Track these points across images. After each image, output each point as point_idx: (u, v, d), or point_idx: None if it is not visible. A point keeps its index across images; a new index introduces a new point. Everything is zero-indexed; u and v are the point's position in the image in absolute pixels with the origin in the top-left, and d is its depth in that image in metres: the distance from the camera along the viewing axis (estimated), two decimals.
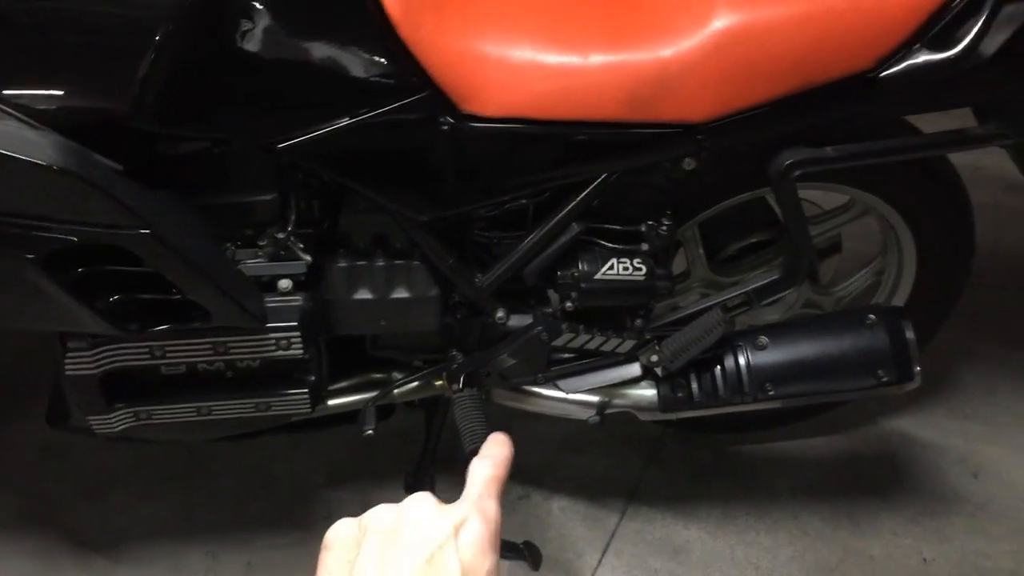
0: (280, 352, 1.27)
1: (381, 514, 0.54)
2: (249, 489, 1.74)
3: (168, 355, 1.25)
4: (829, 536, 1.64)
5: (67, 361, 1.23)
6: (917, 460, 1.77)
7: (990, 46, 1.14)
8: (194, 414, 1.33)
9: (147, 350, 1.24)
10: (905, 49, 1.16)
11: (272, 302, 1.26)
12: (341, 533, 0.55)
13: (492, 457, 0.61)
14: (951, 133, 1.28)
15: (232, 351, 1.27)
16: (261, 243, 1.26)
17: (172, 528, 1.68)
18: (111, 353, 1.24)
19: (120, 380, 1.29)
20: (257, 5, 1.09)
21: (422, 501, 0.55)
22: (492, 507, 0.55)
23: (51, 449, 1.80)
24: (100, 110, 1.06)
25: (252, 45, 1.09)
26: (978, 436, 1.81)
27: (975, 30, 1.13)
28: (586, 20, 1.19)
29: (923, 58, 1.16)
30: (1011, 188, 2.32)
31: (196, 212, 1.20)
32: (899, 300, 1.60)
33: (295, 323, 1.25)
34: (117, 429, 1.32)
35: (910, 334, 1.37)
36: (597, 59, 1.16)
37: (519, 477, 1.74)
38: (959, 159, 1.48)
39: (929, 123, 1.33)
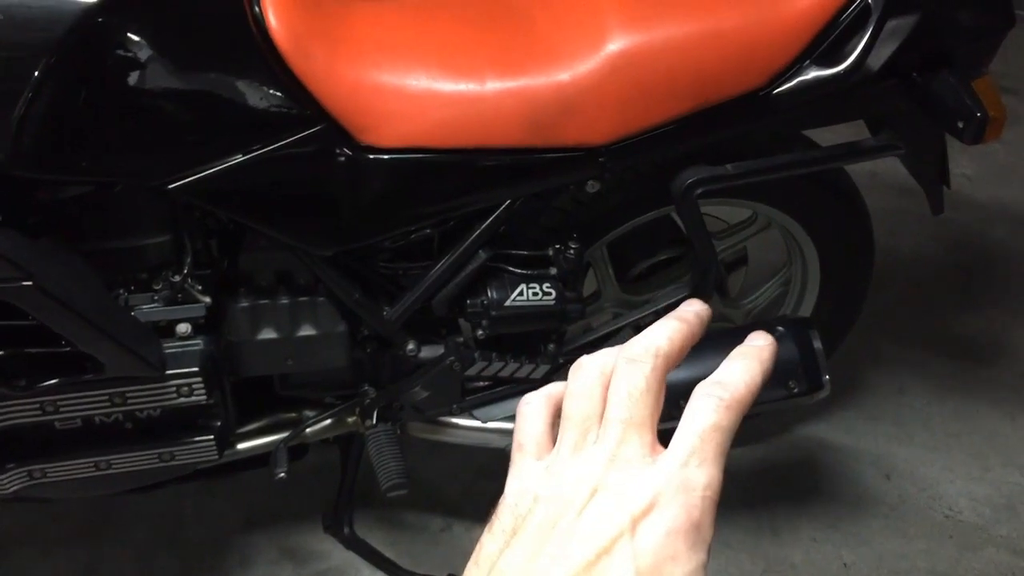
0: (182, 399, 1.22)
1: (563, 470, 0.41)
2: (158, 541, 1.67)
3: (61, 410, 1.19)
4: (751, 546, 1.65)
5: None
6: (832, 465, 1.80)
7: (877, 60, 1.17)
8: (92, 470, 1.27)
9: (38, 406, 1.18)
10: (796, 66, 1.18)
11: (171, 348, 1.21)
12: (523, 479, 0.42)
13: (724, 387, 0.42)
14: (845, 146, 1.31)
15: (130, 401, 1.21)
16: (156, 287, 1.21)
17: None
18: None
19: (10, 438, 1.21)
20: (136, 39, 1.03)
21: (629, 438, 0.40)
22: (702, 479, 0.39)
23: None
24: None
25: (134, 81, 1.05)
26: (889, 437, 1.85)
27: (862, 45, 1.16)
28: (480, 47, 1.18)
29: (813, 74, 1.18)
30: (905, 192, 2.38)
31: (83, 259, 1.14)
32: (806, 309, 1.63)
33: (196, 368, 1.21)
34: (10, 490, 1.25)
35: (818, 344, 1.36)
36: (494, 85, 1.14)
37: (439, 508, 1.71)
38: (856, 166, 1.51)
39: (829, 132, 1.36)
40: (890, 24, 1.15)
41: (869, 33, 1.15)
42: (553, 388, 0.48)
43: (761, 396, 1.48)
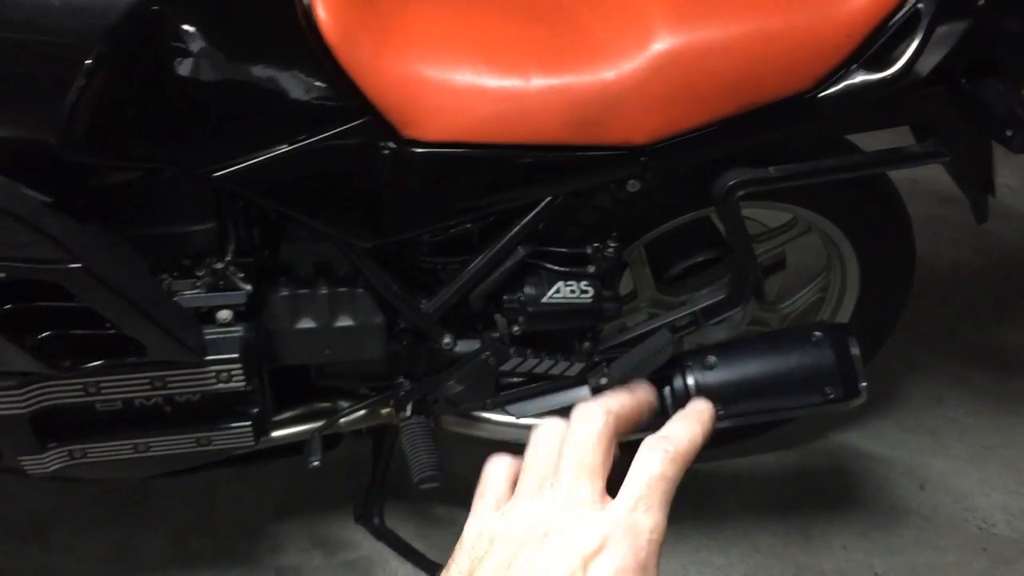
0: (221, 385, 1.23)
1: (519, 514, 0.45)
2: (191, 525, 1.69)
3: (103, 391, 1.21)
4: (781, 552, 1.65)
5: None
6: (865, 474, 1.78)
7: (926, 66, 1.15)
8: (131, 451, 1.28)
9: (81, 387, 1.20)
10: (843, 69, 1.16)
11: (211, 334, 1.23)
12: (475, 528, 0.46)
13: (670, 441, 0.47)
14: (890, 152, 1.30)
15: (170, 385, 1.23)
16: (199, 273, 1.22)
17: (112, 568, 1.62)
18: (42, 391, 1.19)
19: (52, 418, 1.24)
20: (189, 29, 1.05)
21: (581, 484, 0.44)
22: (648, 523, 0.43)
23: None
24: (27, 141, 1.02)
25: (184, 71, 1.06)
26: (924, 448, 1.83)
27: (911, 50, 1.15)
28: (526, 44, 1.18)
29: (860, 78, 1.17)
30: (947, 201, 2.36)
31: (130, 244, 1.16)
32: (844, 315, 1.61)
33: (236, 355, 1.22)
34: (51, 469, 1.27)
35: (855, 350, 1.36)
36: (539, 82, 1.15)
37: (469, 503, 1.71)
38: (897, 173, 1.50)
39: (870, 139, 1.35)
40: (940, 30, 1.14)
41: (919, 38, 1.13)
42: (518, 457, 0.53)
43: (797, 401, 1.47)
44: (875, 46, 1.16)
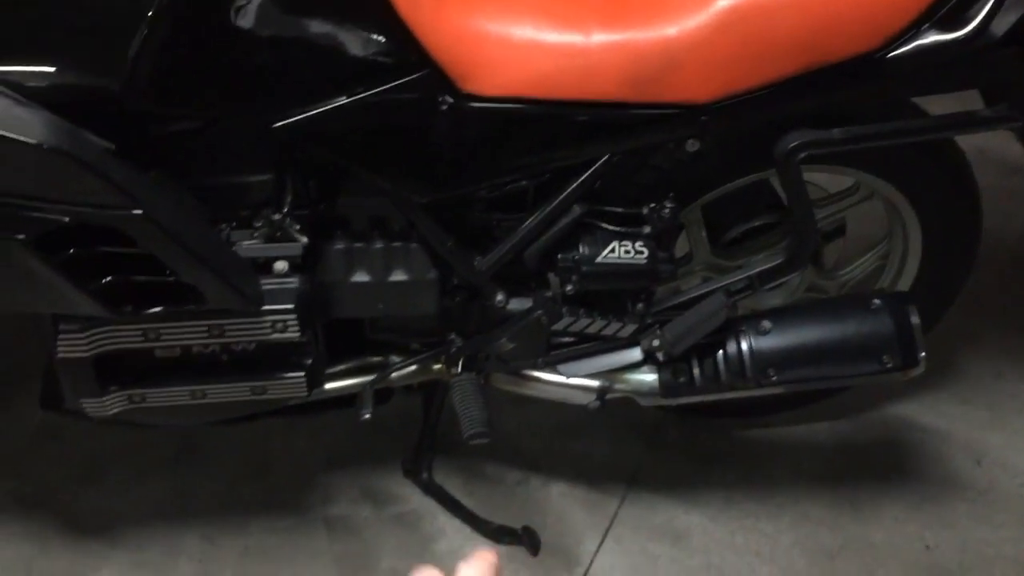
0: (276, 335, 1.25)
1: None
2: (244, 473, 1.73)
3: (162, 338, 1.23)
4: (831, 522, 1.63)
5: (59, 344, 1.21)
6: (920, 446, 1.75)
7: (1001, 26, 1.12)
8: (188, 398, 1.31)
9: (141, 332, 1.22)
10: (914, 29, 1.13)
11: (268, 284, 1.24)
12: None
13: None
14: (960, 115, 1.26)
15: (227, 334, 1.25)
16: (256, 224, 1.24)
17: (167, 512, 1.66)
18: (104, 336, 1.22)
19: (113, 363, 1.27)
20: None
21: None
22: None
23: (45, 432, 1.77)
24: (92, 88, 1.04)
25: (247, 22, 1.07)
26: (982, 422, 1.79)
27: (986, 10, 1.11)
28: None
29: (932, 38, 1.13)
30: (1016, 171, 2.30)
31: (190, 193, 1.18)
32: (903, 285, 1.58)
33: (291, 305, 1.23)
34: (110, 412, 1.30)
35: (915, 319, 1.35)
36: (600, 38, 1.13)
37: (516, 461, 1.73)
38: (964, 142, 1.46)
39: (935, 103, 1.31)
40: None
41: None
42: None
43: (854, 369, 1.45)
44: (948, 5, 1.12)
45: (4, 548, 1.61)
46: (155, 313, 1.18)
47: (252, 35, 1.08)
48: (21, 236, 1.03)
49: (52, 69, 1.03)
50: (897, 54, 1.14)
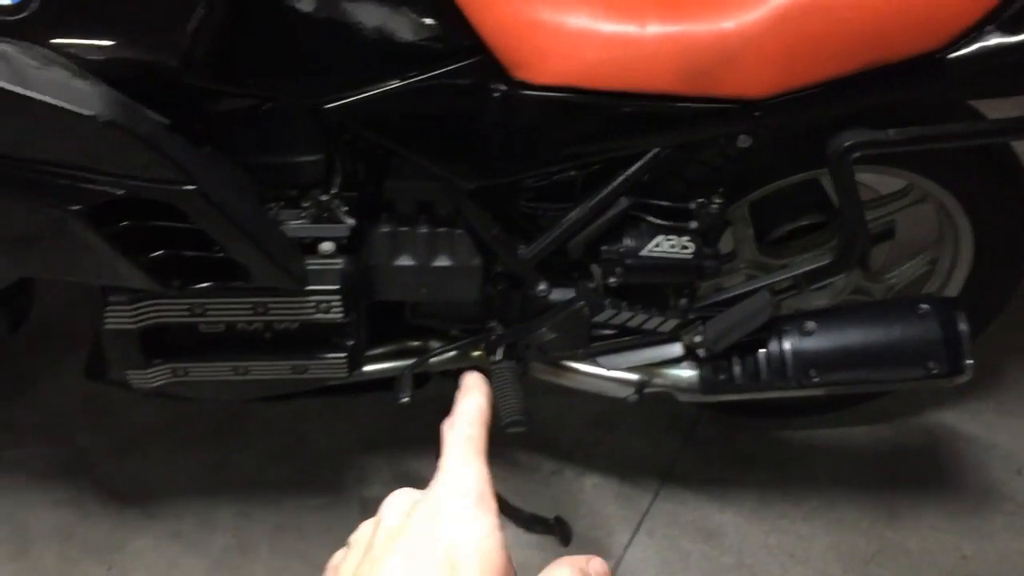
0: (319, 315, 1.26)
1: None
2: (281, 451, 1.75)
3: (208, 313, 1.25)
4: (866, 527, 1.62)
5: (107, 315, 1.23)
6: (960, 455, 1.73)
7: None
8: (231, 373, 1.33)
9: (187, 307, 1.24)
10: (977, 30, 1.11)
11: (313, 264, 1.25)
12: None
13: (460, 415, 0.49)
14: (1018, 120, 1.23)
15: (272, 312, 1.26)
16: (304, 204, 1.24)
17: (204, 485, 1.69)
18: (151, 309, 1.24)
19: (159, 336, 1.28)
20: None
21: (395, 501, 0.46)
22: (470, 473, 0.45)
23: (89, 402, 1.81)
24: (150, 63, 1.05)
25: (303, 3, 1.07)
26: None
27: None
28: None
29: (995, 40, 1.11)
30: None
31: (241, 171, 1.19)
32: (952, 291, 1.56)
33: (336, 286, 1.24)
34: (154, 384, 1.32)
35: (964, 326, 1.33)
36: (655, 29, 1.12)
37: (551, 451, 1.73)
38: (1018, 148, 1.43)
39: (989, 108, 1.29)
40: None
41: None
42: None
43: (898, 373, 1.43)
44: (1012, 8, 1.10)
45: (46, 513, 1.64)
46: (202, 288, 1.20)
47: (307, 16, 1.08)
48: (76, 207, 1.05)
49: (112, 43, 1.04)
50: (958, 55, 1.12)
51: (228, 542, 1.61)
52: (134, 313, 1.23)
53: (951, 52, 1.12)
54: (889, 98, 1.17)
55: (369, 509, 0.45)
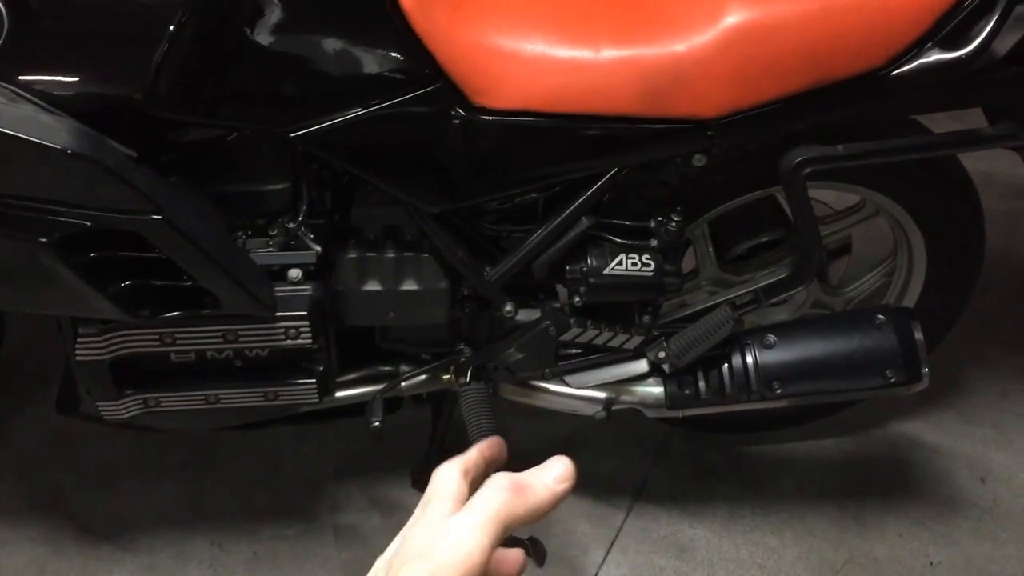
0: (289, 341, 1.27)
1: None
2: (255, 480, 1.75)
3: (178, 342, 1.26)
4: (835, 537, 1.64)
5: (78, 346, 1.24)
6: (925, 464, 1.76)
7: (1003, 46, 1.14)
8: (202, 402, 1.34)
9: (157, 336, 1.25)
10: (917, 48, 1.15)
11: (282, 291, 1.27)
12: None
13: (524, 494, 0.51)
14: (963, 133, 1.28)
15: (241, 339, 1.27)
16: (272, 232, 1.27)
17: (178, 517, 1.68)
18: (121, 339, 1.25)
19: (130, 366, 1.29)
20: None
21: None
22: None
23: (60, 438, 1.80)
24: (115, 96, 1.07)
25: (266, 35, 1.10)
26: (986, 441, 1.80)
27: (988, 29, 1.13)
28: (598, 15, 1.19)
29: (935, 57, 1.15)
30: (1020, 195, 2.31)
31: (208, 200, 1.21)
32: (908, 302, 1.60)
33: (304, 312, 1.26)
34: (126, 415, 1.33)
35: (919, 335, 1.37)
36: (609, 53, 1.16)
37: (524, 471, 1.74)
38: (969, 165, 1.48)
39: (937, 124, 1.34)
40: (1019, 9, 1.12)
41: (996, 17, 1.12)
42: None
43: (858, 383, 1.47)
44: (951, 24, 1.14)
45: (19, 550, 1.63)
46: (172, 317, 1.21)
47: (269, 48, 1.11)
48: (44, 239, 1.06)
49: (77, 78, 1.06)
50: (901, 72, 1.16)
51: (203, 574, 1.61)
52: (104, 344, 1.24)
53: (894, 69, 1.16)
54: (837, 115, 1.21)
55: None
